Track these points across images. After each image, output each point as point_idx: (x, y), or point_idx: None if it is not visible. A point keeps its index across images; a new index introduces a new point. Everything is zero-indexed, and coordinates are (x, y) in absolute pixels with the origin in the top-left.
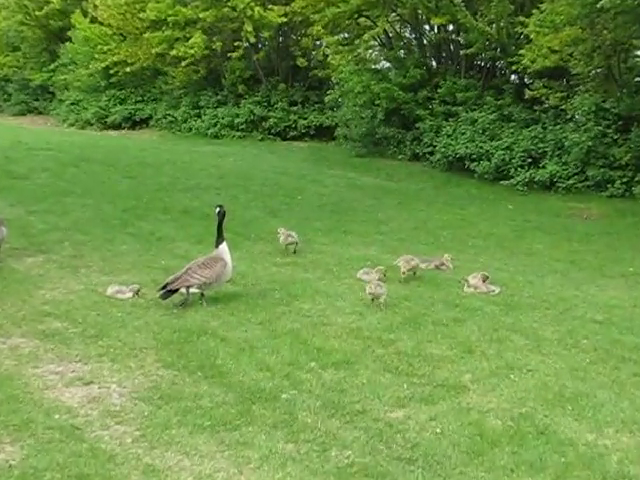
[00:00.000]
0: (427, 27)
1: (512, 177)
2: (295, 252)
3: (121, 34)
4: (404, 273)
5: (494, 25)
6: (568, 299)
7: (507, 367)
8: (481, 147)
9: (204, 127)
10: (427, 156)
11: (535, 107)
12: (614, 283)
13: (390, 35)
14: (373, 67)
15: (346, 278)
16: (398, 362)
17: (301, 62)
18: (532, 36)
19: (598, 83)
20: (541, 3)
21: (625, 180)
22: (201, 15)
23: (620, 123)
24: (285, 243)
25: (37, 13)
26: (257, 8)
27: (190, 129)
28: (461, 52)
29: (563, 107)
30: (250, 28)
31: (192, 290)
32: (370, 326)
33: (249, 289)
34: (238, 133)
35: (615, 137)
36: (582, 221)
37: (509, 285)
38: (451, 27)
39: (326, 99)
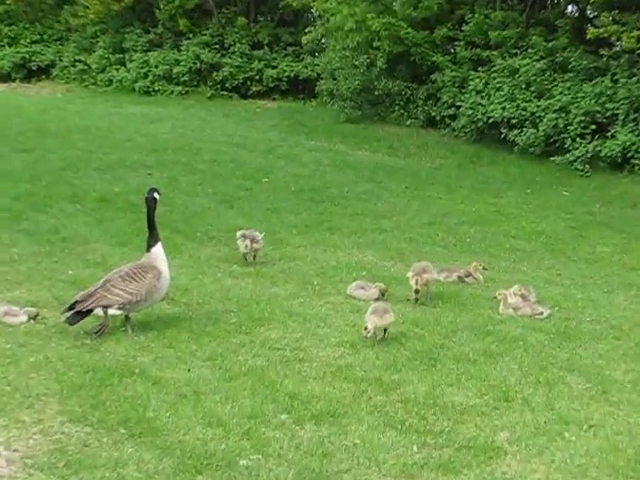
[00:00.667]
0: None
1: (568, 151)
2: (255, 258)
3: None
4: (417, 291)
5: None
6: None
7: (560, 421)
8: (524, 109)
9: (130, 79)
10: (447, 121)
11: (601, 51)
12: None
13: None
14: None
15: (331, 295)
16: (405, 414)
17: None
18: None
19: None
20: None
21: None
22: None
23: None
24: (247, 251)
25: None
26: None
27: (110, 82)
28: None
29: None
30: None
31: (112, 312)
32: (365, 363)
33: (194, 310)
34: (178, 88)
35: None
36: None
37: (563, 305)
38: None
39: (303, 40)
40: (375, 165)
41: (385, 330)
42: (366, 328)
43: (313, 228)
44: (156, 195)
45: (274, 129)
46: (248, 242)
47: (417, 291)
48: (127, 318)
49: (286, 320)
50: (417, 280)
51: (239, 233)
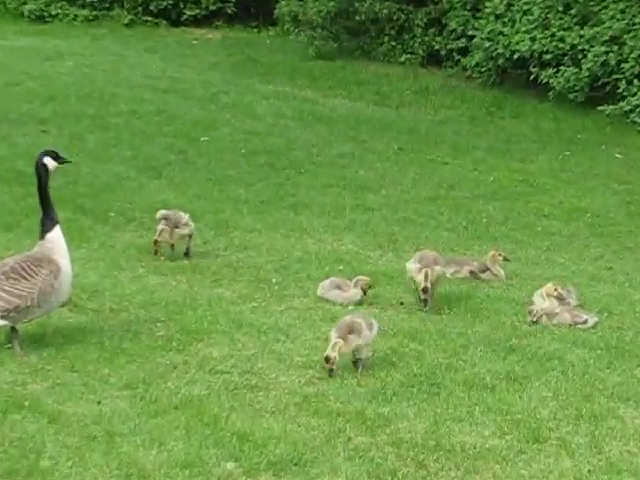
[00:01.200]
0: None
1: (622, 98)
2: (188, 253)
3: None
4: (427, 289)
5: None
6: None
7: (610, 470)
8: (562, 39)
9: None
10: (456, 57)
11: None
12: None
13: None
14: None
15: (296, 297)
16: (397, 461)
17: None
18: None
19: None
20: None
21: None
22: None
23: None
24: (160, 239)
25: None
26: None
27: None
28: None
29: None
30: None
31: None
32: (343, 391)
33: (106, 320)
34: (84, 12)
35: None
36: None
37: (615, 310)
38: None
39: None
40: (357, 118)
41: (357, 360)
42: (328, 360)
43: (271, 205)
44: (49, 161)
45: (217, 69)
46: (163, 226)
47: (426, 290)
48: (14, 330)
49: (233, 332)
50: (426, 274)
51: (160, 214)
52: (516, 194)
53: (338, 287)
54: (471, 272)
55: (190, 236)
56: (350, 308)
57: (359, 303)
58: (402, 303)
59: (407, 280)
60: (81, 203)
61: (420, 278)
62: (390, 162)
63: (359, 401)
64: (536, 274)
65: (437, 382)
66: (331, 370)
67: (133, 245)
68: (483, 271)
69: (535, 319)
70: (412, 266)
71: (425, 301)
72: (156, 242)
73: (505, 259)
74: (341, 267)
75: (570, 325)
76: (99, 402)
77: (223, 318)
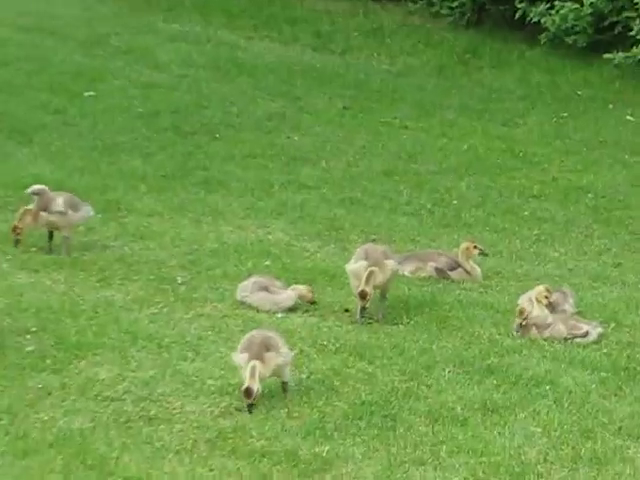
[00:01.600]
0: None
1: (636, 43)
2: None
3: None
4: (365, 295)
5: None
6: None
7: None
8: None
9: None
10: None
11: None
12: None
13: None
14: None
15: (209, 301)
16: None
17: None
18: None
19: None
20: None
21: None
22: None
23: None
24: (21, 226)
25: None
26: None
27: None
28: None
29: None
30: None
31: None
32: (270, 425)
33: None
34: None
35: None
36: None
37: (623, 319)
38: None
39: None
40: (289, 68)
41: (284, 383)
42: (249, 394)
43: (176, 181)
44: None
45: (105, 2)
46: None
47: (364, 295)
48: None
49: (126, 348)
50: (370, 275)
51: (33, 189)
52: (497, 168)
53: (264, 289)
54: (437, 270)
55: (66, 225)
56: (279, 316)
57: (291, 310)
58: (347, 310)
59: (352, 286)
60: None
61: (358, 283)
62: (333, 125)
63: (290, 438)
64: (522, 272)
65: (392, 413)
66: (251, 406)
67: None
68: (453, 268)
69: (525, 322)
70: (353, 266)
71: (362, 310)
72: (15, 229)
73: (482, 253)
74: (268, 262)
75: (566, 339)
76: None
77: (113, 329)
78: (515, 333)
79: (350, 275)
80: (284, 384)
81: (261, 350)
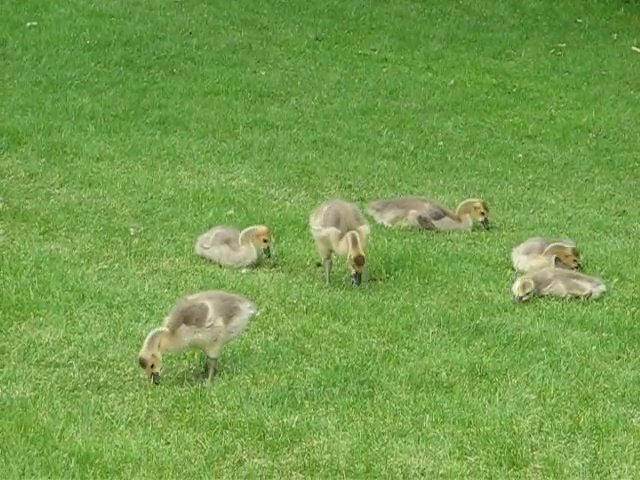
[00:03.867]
0: None
1: None
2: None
3: None
4: (360, 260)
5: None
6: None
7: None
8: None
9: None
10: None
11: None
12: None
13: None
14: None
15: (165, 255)
16: None
17: None
18: None
19: None
20: None
21: None
22: None
23: None
24: None
25: None
26: None
27: None
28: None
29: None
30: None
31: None
32: (232, 393)
33: None
34: None
35: None
36: None
37: (629, 274)
38: None
39: None
40: None
41: (212, 362)
42: (143, 364)
43: (129, 121)
44: None
45: None
46: None
47: (360, 261)
48: None
49: (73, 307)
50: (354, 238)
51: None
52: (487, 105)
53: (226, 241)
54: (420, 219)
55: None
56: (243, 272)
57: (256, 265)
58: (319, 265)
59: (319, 250)
60: None
61: (345, 247)
62: (304, 58)
63: (255, 407)
64: (515, 222)
65: (369, 379)
66: (154, 376)
67: None
68: (438, 217)
69: (528, 297)
70: (325, 232)
71: (357, 276)
72: None
73: (485, 224)
74: (231, 212)
75: (565, 296)
76: None
77: (57, 287)
78: (515, 301)
79: (317, 240)
80: (209, 362)
81: (178, 320)
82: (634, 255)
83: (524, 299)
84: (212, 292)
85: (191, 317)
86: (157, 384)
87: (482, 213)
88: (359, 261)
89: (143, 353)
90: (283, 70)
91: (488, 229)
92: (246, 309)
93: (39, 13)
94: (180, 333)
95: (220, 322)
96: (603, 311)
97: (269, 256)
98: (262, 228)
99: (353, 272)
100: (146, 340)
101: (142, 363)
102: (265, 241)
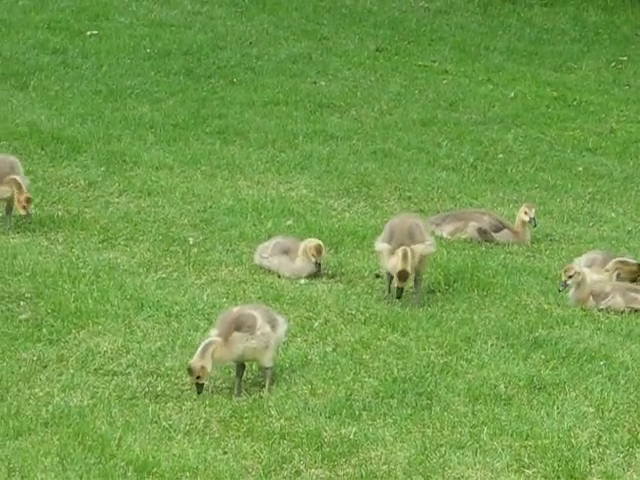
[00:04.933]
0: None
1: None
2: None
3: None
4: (404, 275)
5: None
6: None
7: None
8: None
9: None
10: None
11: None
12: None
13: None
14: None
15: (223, 265)
16: None
17: None
18: None
19: None
20: None
21: None
22: None
23: None
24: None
25: None
26: None
27: None
28: None
29: None
30: None
31: None
32: (290, 403)
33: None
34: None
35: None
36: None
37: None
38: None
39: None
40: (315, 4)
41: (267, 371)
42: (192, 372)
43: (188, 130)
44: None
45: None
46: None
47: (404, 276)
48: None
49: (131, 316)
50: (405, 254)
51: None
52: (547, 118)
53: (285, 252)
54: (480, 231)
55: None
56: (302, 282)
57: (315, 275)
58: (378, 276)
59: (380, 263)
60: None
61: (394, 263)
62: (364, 69)
63: (313, 418)
64: (574, 235)
65: (427, 391)
66: (200, 386)
67: None
68: (497, 229)
69: (570, 282)
70: (379, 246)
71: (399, 290)
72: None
73: (530, 221)
74: (290, 222)
75: (623, 310)
76: None
77: (116, 295)
78: (560, 288)
79: (378, 254)
80: (265, 371)
81: (230, 328)
82: None
83: (568, 283)
84: (253, 304)
85: (242, 325)
86: (199, 394)
87: (525, 213)
88: (402, 275)
89: (193, 362)
90: (343, 81)
91: (535, 226)
92: (283, 322)
93: (99, 22)
94: (233, 341)
95: (268, 329)
96: None
97: (319, 270)
98: (313, 242)
99: (396, 285)
100: (199, 349)
101: (190, 371)
102: (314, 256)
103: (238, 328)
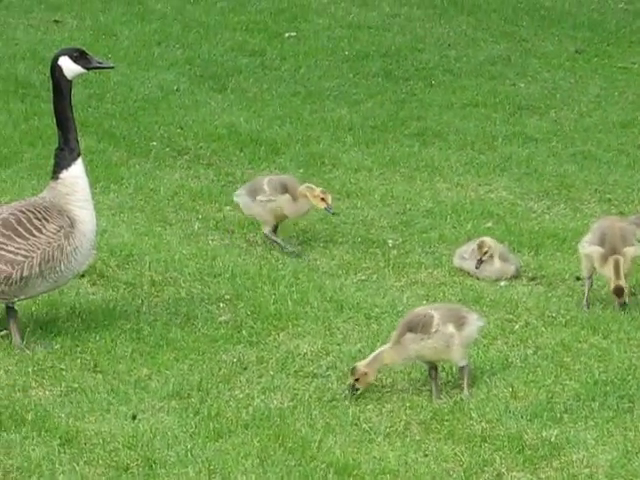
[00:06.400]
0: None
1: None
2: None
3: None
4: (620, 290)
5: None
6: None
7: None
8: None
9: None
10: None
11: None
12: None
13: None
14: None
15: (423, 267)
16: None
17: None
18: None
19: None
20: None
21: None
22: None
23: None
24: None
25: None
26: None
27: None
28: None
29: None
30: None
31: None
32: (491, 406)
33: (145, 296)
34: None
35: None
36: None
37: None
38: None
39: None
40: (514, 5)
41: (463, 370)
42: (354, 372)
43: (387, 132)
44: (67, 64)
45: None
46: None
47: (620, 292)
48: (10, 312)
49: (331, 318)
50: (617, 264)
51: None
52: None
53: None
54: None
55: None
56: (502, 284)
57: (515, 277)
58: (579, 278)
59: (583, 264)
60: (109, 127)
61: (608, 272)
62: (563, 71)
63: (514, 420)
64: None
65: (629, 394)
66: (354, 389)
67: (185, 189)
68: None
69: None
70: (586, 248)
71: (622, 305)
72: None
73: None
74: (489, 224)
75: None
76: (134, 417)
77: (316, 297)
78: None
79: (582, 256)
80: (462, 369)
81: (403, 330)
82: None
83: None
84: (437, 304)
85: (416, 326)
86: (352, 396)
87: None
88: (617, 292)
89: (360, 364)
90: (542, 83)
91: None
92: (474, 320)
93: (298, 23)
94: (405, 342)
95: (450, 328)
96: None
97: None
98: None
99: (616, 302)
100: (371, 355)
101: (352, 371)
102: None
103: (411, 329)
